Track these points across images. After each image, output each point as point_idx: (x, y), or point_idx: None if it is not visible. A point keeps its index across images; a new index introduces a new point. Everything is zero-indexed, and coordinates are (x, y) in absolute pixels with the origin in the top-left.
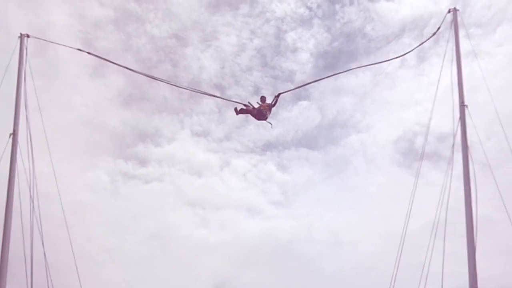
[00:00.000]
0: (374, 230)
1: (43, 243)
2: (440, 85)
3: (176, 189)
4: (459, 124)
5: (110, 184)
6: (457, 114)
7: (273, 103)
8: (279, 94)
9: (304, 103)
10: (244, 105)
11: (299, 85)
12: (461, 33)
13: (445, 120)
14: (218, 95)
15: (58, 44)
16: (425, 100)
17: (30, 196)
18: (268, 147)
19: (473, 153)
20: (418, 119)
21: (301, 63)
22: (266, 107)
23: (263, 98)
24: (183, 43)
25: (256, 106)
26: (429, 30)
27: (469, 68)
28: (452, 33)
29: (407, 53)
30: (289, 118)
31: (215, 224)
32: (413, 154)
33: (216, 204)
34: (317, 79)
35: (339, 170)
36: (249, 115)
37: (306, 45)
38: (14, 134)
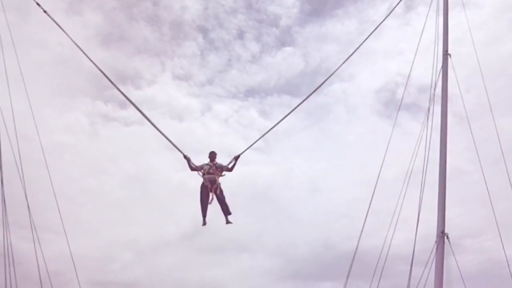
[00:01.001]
0: (350, 178)
1: (23, 181)
2: (425, 35)
3: (157, 132)
4: (440, 74)
5: (89, 126)
6: (440, 64)
7: (230, 166)
8: (238, 156)
9: (288, 49)
10: (184, 157)
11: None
12: None
13: (427, 72)
14: (201, 37)
15: None
16: (409, 51)
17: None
18: (250, 92)
19: (452, 105)
20: (401, 70)
21: (287, 7)
22: (216, 170)
23: (212, 155)
24: None
25: (202, 165)
26: None
27: (455, 19)
28: None
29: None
30: (272, 64)
31: None
32: (394, 104)
33: (197, 148)
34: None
35: (320, 118)
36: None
37: None
38: None
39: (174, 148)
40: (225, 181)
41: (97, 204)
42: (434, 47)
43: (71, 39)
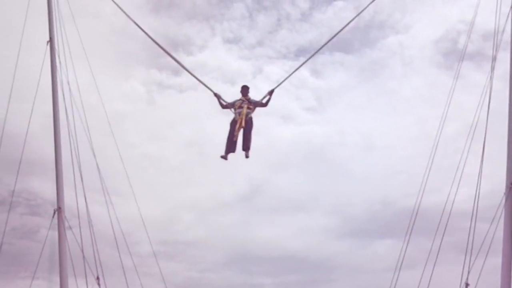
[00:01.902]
0: (407, 134)
1: (92, 149)
2: None
3: (211, 97)
4: (509, 16)
5: (146, 94)
6: (508, 6)
7: (264, 101)
8: (272, 91)
9: (339, 3)
10: (215, 94)
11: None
12: None
13: (492, 17)
14: None
15: None
16: None
17: (71, 104)
18: (301, 52)
19: None
20: (463, 16)
21: None
22: (249, 104)
23: (244, 90)
24: None
25: (234, 101)
26: None
27: None
28: None
29: None
30: (323, 20)
31: None
32: (455, 54)
33: None
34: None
35: (375, 74)
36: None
37: None
38: (51, 41)
39: (228, 112)
40: (279, 142)
41: (158, 168)
42: None
43: (122, 10)
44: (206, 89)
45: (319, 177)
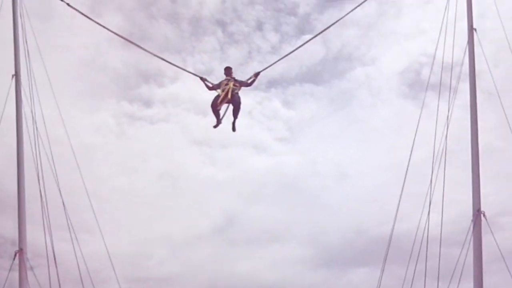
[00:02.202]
0: (378, 163)
1: (58, 184)
2: (448, 12)
3: (182, 128)
4: (467, 49)
5: (116, 126)
6: (464, 41)
7: (249, 81)
8: (258, 73)
9: (307, 37)
10: (200, 78)
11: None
12: None
13: (452, 49)
14: (220, 31)
15: None
16: (432, 29)
17: (35, 137)
18: (272, 83)
19: (479, 82)
20: (424, 49)
21: None
22: (236, 83)
23: (227, 70)
24: None
25: (219, 82)
26: None
27: None
28: None
29: None
30: (292, 53)
31: (222, 162)
32: (419, 85)
33: (223, 142)
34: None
35: (344, 104)
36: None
37: None
38: (16, 75)
39: (201, 143)
40: (252, 173)
41: (129, 202)
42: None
43: (104, 26)
44: (179, 120)
45: (293, 207)
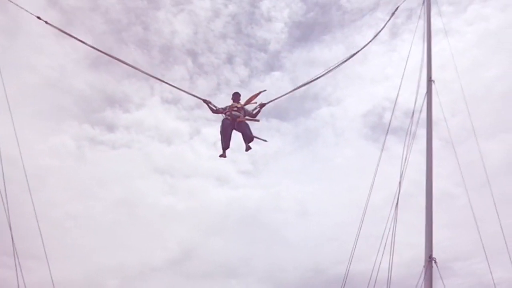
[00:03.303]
0: (339, 201)
1: (6, 207)
2: (410, 61)
3: (145, 156)
4: (425, 99)
5: (76, 149)
6: (424, 89)
7: (254, 112)
8: (264, 104)
9: (276, 73)
10: (204, 100)
11: (272, 57)
12: (434, 10)
13: (412, 97)
14: (190, 61)
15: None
16: (395, 76)
17: None
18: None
19: (437, 130)
20: (388, 94)
21: (276, 33)
22: (240, 110)
23: (236, 96)
24: (155, 6)
25: (226, 107)
26: (404, 6)
27: (439, 45)
28: (425, 9)
29: (375, 36)
30: (260, 88)
31: (183, 192)
32: (381, 128)
33: (185, 172)
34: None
35: (309, 142)
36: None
37: (280, 14)
38: None
39: (162, 172)
40: (214, 204)
41: (83, 229)
42: (420, 73)
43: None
44: (142, 147)
45: (253, 241)
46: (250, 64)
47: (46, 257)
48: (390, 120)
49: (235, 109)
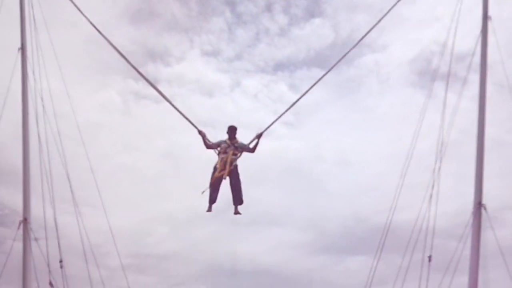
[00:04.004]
0: (381, 151)
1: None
2: None
3: (187, 109)
4: (480, 39)
5: (122, 104)
6: (478, 30)
7: (251, 146)
8: (261, 134)
9: (317, 20)
10: (199, 132)
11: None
12: None
13: (465, 38)
14: (228, 11)
15: None
16: (446, 17)
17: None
18: (279, 67)
19: (491, 73)
20: (437, 37)
21: None
22: (236, 151)
23: (231, 132)
24: None
25: (219, 142)
26: None
27: None
28: None
29: None
30: (301, 36)
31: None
32: (429, 74)
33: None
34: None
35: (351, 91)
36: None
37: None
38: (23, 48)
39: (205, 124)
40: (256, 156)
41: (132, 180)
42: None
43: (87, 18)
44: (183, 100)
45: (295, 191)
46: (290, 11)
47: (103, 204)
48: (439, 65)
49: (226, 147)
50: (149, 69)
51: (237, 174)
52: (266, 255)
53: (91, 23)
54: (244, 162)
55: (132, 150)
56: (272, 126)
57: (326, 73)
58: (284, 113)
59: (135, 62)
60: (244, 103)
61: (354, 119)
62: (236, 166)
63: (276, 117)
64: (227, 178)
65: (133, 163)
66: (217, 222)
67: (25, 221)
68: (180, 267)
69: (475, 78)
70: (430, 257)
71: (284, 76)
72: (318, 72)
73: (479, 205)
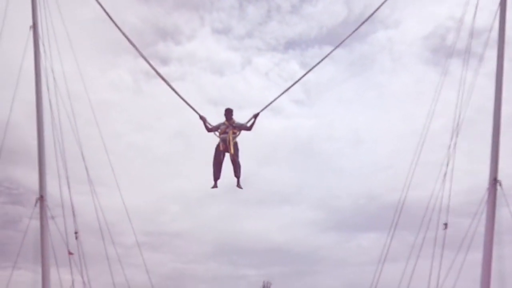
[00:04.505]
0: (394, 130)
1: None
2: None
3: (198, 87)
4: (498, 13)
5: (133, 83)
6: (495, 6)
7: (248, 125)
8: (257, 114)
9: None
10: (200, 117)
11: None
12: None
13: (481, 14)
14: None
15: None
16: None
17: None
18: (290, 45)
19: (507, 49)
20: (452, 13)
21: None
22: (234, 130)
23: (227, 113)
24: None
25: (218, 125)
26: None
27: None
28: None
29: None
30: (313, 13)
31: None
32: (443, 51)
33: (238, 102)
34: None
35: (364, 68)
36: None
37: None
38: (34, 26)
39: (217, 103)
40: (267, 134)
41: (144, 159)
42: None
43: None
44: (194, 79)
45: (306, 170)
46: None
47: (118, 183)
48: (455, 42)
49: (225, 128)
50: (160, 48)
51: (237, 150)
52: (278, 233)
53: (98, 2)
54: (254, 140)
55: (144, 129)
56: (283, 104)
57: (335, 48)
58: (287, 89)
59: (145, 41)
60: (255, 82)
61: (366, 98)
62: (236, 143)
63: (287, 96)
64: (228, 154)
65: (145, 142)
66: (228, 200)
67: (42, 198)
68: (192, 245)
69: (490, 54)
70: (446, 225)
71: (295, 54)
72: (330, 49)
73: (494, 181)
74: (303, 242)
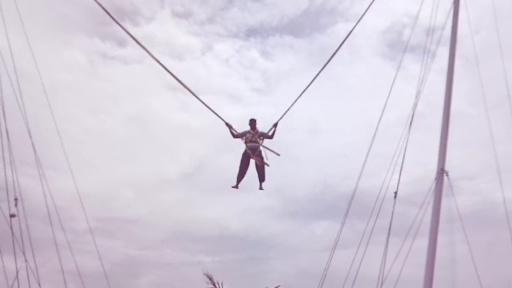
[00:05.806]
0: (350, 121)
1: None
2: None
3: (157, 72)
4: (451, 12)
5: (88, 64)
6: (448, 5)
7: (270, 134)
8: (276, 123)
9: None
10: (226, 124)
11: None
12: None
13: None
14: None
15: None
16: None
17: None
18: (252, 32)
19: (458, 47)
20: (409, 10)
21: None
22: (257, 138)
23: (252, 123)
24: None
25: (244, 132)
26: None
27: None
28: None
29: None
30: (275, 2)
31: (195, 109)
32: (399, 46)
33: (197, 89)
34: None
35: (323, 59)
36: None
37: None
38: None
39: (175, 89)
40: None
41: (98, 143)
42: None
43: None
44: (153, 63)
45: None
46: None
47: (70, 166)
48: (409, 38)
49: (251, 136)
50: (117, 28)
51: (262, 157)
52: (233, 220)
53: None
54: (211, 127)
55: (98, 113)
56: (243, 92)
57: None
58: (302, 92)
59: (101, 21)
60: (215, 68)
61: (325, 88)
62: (260, 151)
63: (247, 84)
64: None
65: (99, 126)
66: (184, 188)
67: None
68: (146, 232)
69: (443, 51)
70: (396, 193)
71: (256, 42)
72: (290, 40)
73: (442, 171)
74: (258, 229)
